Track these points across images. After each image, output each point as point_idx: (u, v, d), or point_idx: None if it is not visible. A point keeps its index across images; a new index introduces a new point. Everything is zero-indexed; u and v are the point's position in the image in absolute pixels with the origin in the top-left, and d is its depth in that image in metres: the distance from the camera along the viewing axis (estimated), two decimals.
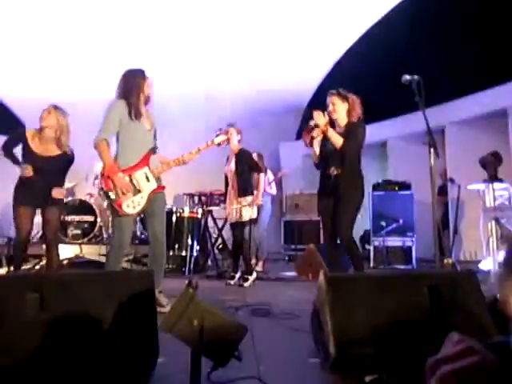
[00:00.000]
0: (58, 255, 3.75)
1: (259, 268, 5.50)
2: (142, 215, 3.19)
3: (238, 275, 4.58)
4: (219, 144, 3.54)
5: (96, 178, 6.56)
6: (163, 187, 3.09)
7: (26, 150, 3.55)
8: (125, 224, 2.96)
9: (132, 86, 2.97)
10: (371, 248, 6.08)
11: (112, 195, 2.88)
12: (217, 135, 3.56)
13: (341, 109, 3.43)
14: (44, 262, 5.00)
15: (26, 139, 3.53)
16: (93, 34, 7.02)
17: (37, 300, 1.64)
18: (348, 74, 7.03)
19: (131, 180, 2.93)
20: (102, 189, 3.03)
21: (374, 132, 7.61)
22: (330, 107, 3.46)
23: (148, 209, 2.99)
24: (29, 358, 1.59)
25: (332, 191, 3.39)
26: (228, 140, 3.79)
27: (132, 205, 2.91)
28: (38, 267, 5.09)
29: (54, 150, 3.58)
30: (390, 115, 7.68)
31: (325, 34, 7.22)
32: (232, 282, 4.52)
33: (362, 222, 6.03)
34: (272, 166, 8.17)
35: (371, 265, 6.01)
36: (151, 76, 3.09)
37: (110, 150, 2.93)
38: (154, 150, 3.06)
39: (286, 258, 7.33)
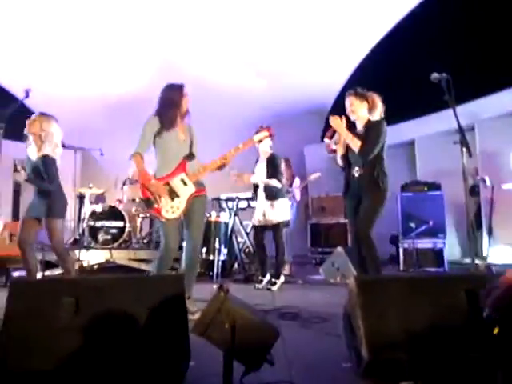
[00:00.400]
0: (72, 264, 3.84)
1: (286, 272, 5.47)
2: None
3: (266, 279, 4.57)
4: (260, 141, 3.45)
5: (124, 183, 6.69)
6: (203, 189, 3.14)
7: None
8: (169, 229, 3.03)
9: (168, 102, 3.07)
10: (401, 250, 5.96)
11: (150, 202, 2.97)
12: (257, 132, 3.40)
13: (359, 109, 3.37)
14: (77, 266, 5.14)
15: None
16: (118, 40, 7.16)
17: (72, 304, 1.68)
18: (372, 75, 6.94)
19: (169, 187, 3.01)
20: (141, 199, 3.11)
21: (401, 132, 7.52)
22: (348, 108, 3.41)
23: (187, 213, 3.06)
24: (65, 361, 1.63)
25: (355, 192, 3.37)
26: (271, 136, 3.67)
27: (171, 210, 2.98)
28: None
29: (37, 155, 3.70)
30: (417, 114, 7.53)
31: (347, 35, 7.13)
32: (260, 286, 4.51)
33: (391, 224, 5.92)
34: (298, 169, 8.15)
35: (401, 268, 5.89)
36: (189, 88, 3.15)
37: (143, 162, 3.04)
38: (189, 157, 3.11)
39: (313, 262, 7.27)
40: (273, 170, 4.57)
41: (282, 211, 4.56)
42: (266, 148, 4.58)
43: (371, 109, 3.36)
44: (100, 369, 1.66)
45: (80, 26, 6.66)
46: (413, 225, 5.79)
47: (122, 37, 6.92)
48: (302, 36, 7.01)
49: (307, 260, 7.43)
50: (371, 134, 3.30)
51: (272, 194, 4.55)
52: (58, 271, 5.34)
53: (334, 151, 3.49)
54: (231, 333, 1.43)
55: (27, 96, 2.56)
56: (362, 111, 3.37)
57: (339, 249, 4.98)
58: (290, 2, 6.55)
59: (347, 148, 3.44)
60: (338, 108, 8.63)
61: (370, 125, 3.35)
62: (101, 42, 7.00)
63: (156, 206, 2.96)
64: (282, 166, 4.77)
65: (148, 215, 6.48)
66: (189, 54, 7.22)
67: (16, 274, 5.08)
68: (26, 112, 2.84)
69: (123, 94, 7.65)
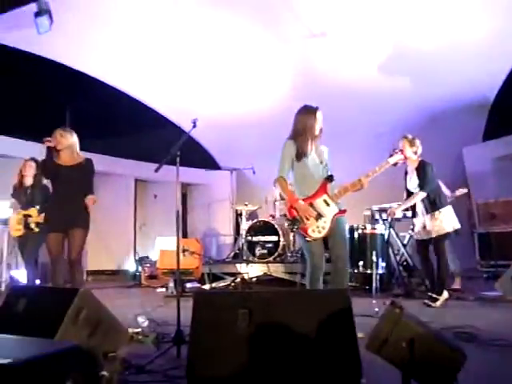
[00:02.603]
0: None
1: (457, 286, 5.01)
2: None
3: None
4: (395, 164, 3.44)
5: (276, 200, 7.00)
6: (344, 211, 3.17)
7: None
8: (314, 248, 3.09)
9: (302, 126, 3.16)
10: None
11: (297, 223, 3.06)
12: (391, 155, 3.46)
13: None
14: (238, 279, 5.51)
15: None
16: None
17: (246, 315, 1.79)
18: None
19: (312, 207, 3.08)
20: (287, 219, 3.18)
21: None
22: None
23: (331, 232, 3.09)
24: (241, 370, 1.73)
25: None
26: (406, 159, 3.65)
27: (317, 229, 3.05)
28: (233, 284, 5.58)
29: None
30: None
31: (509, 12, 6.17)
32: (431, 303, 4.14)
33: None
34: (456, 174, 7.41)
35: None
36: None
37: (288, 185, 3.18)
38: (330, 179, 3.16)
39: (485, 276, 6.46)
40: (422, 178, 4.24)
41: (445, 221, 4.17)
42: (412, 157, 4.30)
43: None
44: (272, 379, 1.72)
45: (227, 48, 7.16)
46: None
47: (268, 51, 7.16)
48: (458, 22, 6.26)
49: (477, 274, 6.64)
50: None
51: (431, 206, 4.22)
52: (222, 283, 5.81)
53: None
54: (409, 351, 1.33)
55: (195, 126, 2.85)
56: None
57: None
58: None
59: None
60: (504, 99, 7.54)
61: None
62: (249, 59, 7.32)
63: (303, 225, 3.04)
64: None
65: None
66: (331, 62, 7.15)
67: (189, 285, 5.68)
68: (190, 140, 3.14)
69: (270, 110, 7.98)
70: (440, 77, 7.06)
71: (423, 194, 4.22)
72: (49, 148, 3.58)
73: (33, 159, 4.78)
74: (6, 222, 5.76)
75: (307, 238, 3.06)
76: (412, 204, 4.34)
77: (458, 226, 4.24)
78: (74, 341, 1.90)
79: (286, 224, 6.48)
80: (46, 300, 2.35)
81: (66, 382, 1.46)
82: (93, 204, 3.64)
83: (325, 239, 3.12)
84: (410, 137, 4.31)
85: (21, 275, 5.54)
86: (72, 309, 2.22)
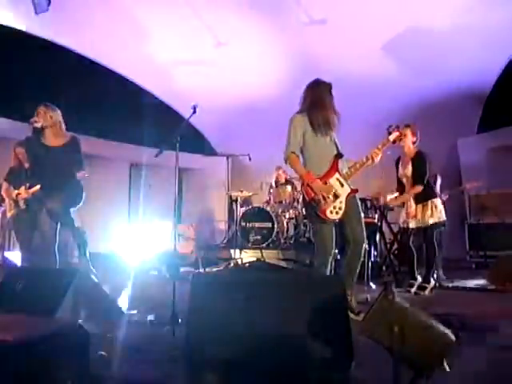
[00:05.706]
0: None
1: (442, 276, 5.12)
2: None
3: (417, 282, 4.27)
4: (394, 141, 3.31)
5: (271, 187, 7.02)
6: (356, 190, 3.07)
7: None
8: (327, 232, 2.97)
9: (317, 99, 3.02)
10: None
11: (315, 203, 2.92)
12: (389, 132, 3.32)
13: None
14: (232, 264, 5.57)
15: None
16: None
17: (240, 299, 1.84)
18: None
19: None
20: (306, 203, 3.01)
21: None
22: None
23: (346, 213, 2.98)
24: (237, 351, 1.78)
25: None
26: (401, 137, 3.54)
27: (334, 210, 2.94)
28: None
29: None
30: None
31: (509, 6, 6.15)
32: (412, 290, 4.25)
33: None
34: (450, 164, 7.48)
35: None
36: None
37: (300, 162, 3.03)
38: (340, 155, 3.07)
39: (473, 266, 6.57)
40: (419, 170, 4.20)
41: (436, 211, 4.22)
42: (408, 146, 4.27)
43: None
44: (267, 361, 1.78)
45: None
46: None
47: (266, 37, 7.08)
48: (454, 13, 6.23)
49: (465, 264, 6.75)
50: None
51: (422, 197, 4.23)
52: (215, 268, 5.86)
53: None
54: (401, 336, 1.39)
55: (195, 112, 2.81)
56: None
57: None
58: None
59: None
60: (500, 91, 7.54)
61: None
62: (247, 45, 7.24)
63: (322, 206, 2.90)
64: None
65: (294, 216, 6.67)
66: (328, 48, 7.09)
67: (182, 269, 5.73)
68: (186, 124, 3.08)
69: (267, 97, 7.95)
70: (436, 66, 7.09)
71: (419, 188, 4.16)
72: (35, 129, 3.37)
73: (20, 144, 4.64)
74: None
75: (327, 221, 2.91)
76: (408, 198, 4.25)
77: (444, 218, 4.28)
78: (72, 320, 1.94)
79: (303, 209, 6.36)
80: (44, 281, 2.39)
81: (66, 358, 1.51)
82: (84, 177, 3.49)
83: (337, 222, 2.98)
84: (413, 126, 4.27)
85: (15, 257, 5.54)
86: (70, 290, 2.26)
